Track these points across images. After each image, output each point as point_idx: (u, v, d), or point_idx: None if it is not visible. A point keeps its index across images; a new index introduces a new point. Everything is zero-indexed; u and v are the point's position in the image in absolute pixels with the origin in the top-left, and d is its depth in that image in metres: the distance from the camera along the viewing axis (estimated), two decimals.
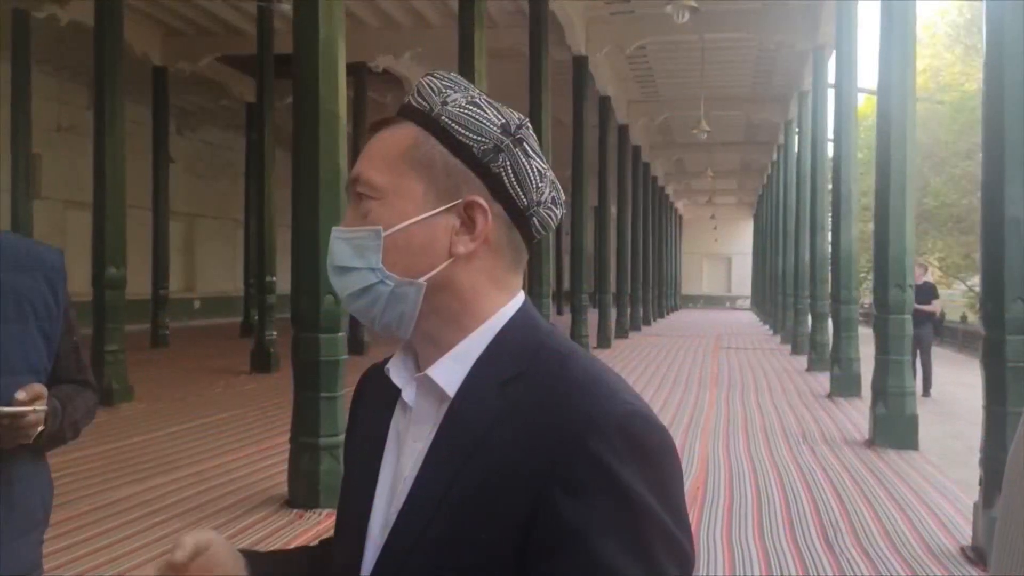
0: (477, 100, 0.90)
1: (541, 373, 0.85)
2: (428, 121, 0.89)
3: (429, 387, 0.89)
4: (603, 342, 16.12)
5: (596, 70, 15.27)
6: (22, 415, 1.41)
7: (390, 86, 16.81)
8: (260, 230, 12.19)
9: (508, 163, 0.88)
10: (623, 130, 19.41)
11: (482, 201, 0.88)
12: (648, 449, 0.80)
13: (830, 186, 11.32)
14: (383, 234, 0.87)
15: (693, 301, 44.31)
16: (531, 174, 0.89)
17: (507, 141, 0.88)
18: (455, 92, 0.90)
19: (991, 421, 4.30)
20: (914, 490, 5.62)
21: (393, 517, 0.86)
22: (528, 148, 0.90)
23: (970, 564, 4.17)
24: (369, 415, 0.98)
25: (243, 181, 17.94)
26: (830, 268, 11.40)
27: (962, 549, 4.38)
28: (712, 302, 44.76)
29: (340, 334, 5.15)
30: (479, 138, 0.88)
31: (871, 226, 7.74)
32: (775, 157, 23.16)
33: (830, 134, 11.40)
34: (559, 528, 0.77)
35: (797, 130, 17.11)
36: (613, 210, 19.70)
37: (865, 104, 22.64)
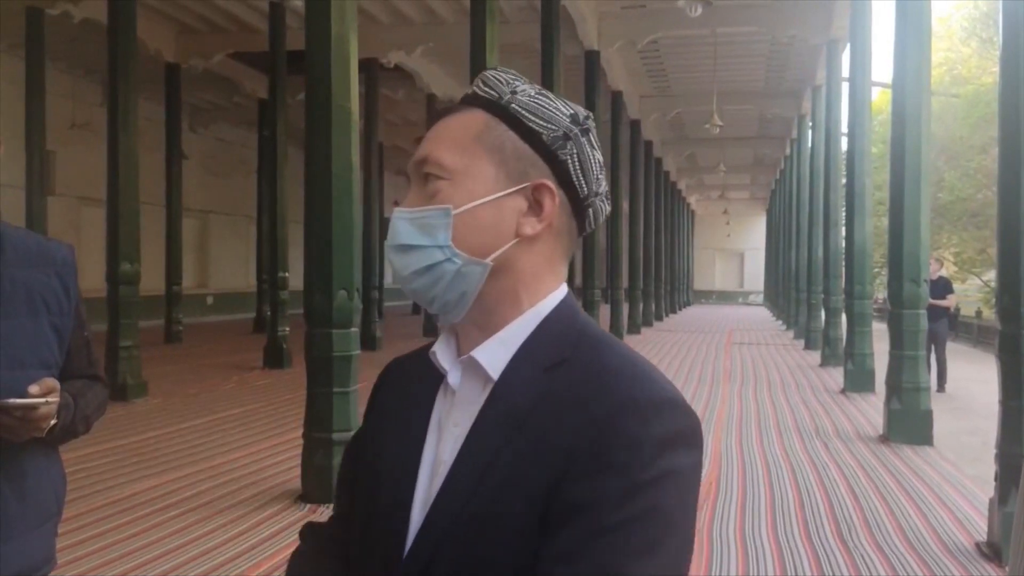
0: (544, 92, 0.94)
1: (583, 360, 0.88)
2: (497, 108, 0.92)
3: (474, 369, 0.91)
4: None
5: (608, 65, 15.23)
6: (34, 407, 1.42)
7: (402, 82, 16.81)
8: (273, 226, 12.23)
9: (575, 151, 0.92)
10: (635, 125, 19.36)
11: (551, 184, 0.91)
12: (678, 435, 0.83)
13: (844, 181, 11.27)
14: (453, 212, 0.89)
15: (706, 296, 44.21)
16: (594, 164, 0.93)
17: (575, 130, 0.92)
18: (522, 83, 0.94)
19: (1007, 416, 4.27)
20: (929, 486, 5.59)
21: (432, 498, 0.89)
22: (593, 139, 0.94)
23: (986, 560, 4.14)
24: (402, 405, 0.99)
25: (256, 177, 18.00)
26: (844, 263, 11.35)
27: (977, 545, 4.35)
28: (725, 297, 44.63)
29: (353, 330, 5.16)
30: (549, 126, 0.91)
31: (885, 221, 7.69)
32: (788, 152, 23.05)
33: (844, 128, 11.33)
34: (579, 500, 0.80)
35: (811, 124, 17.00)
36: (625, 205, 19.65)
37: (879, 98, 22.50)
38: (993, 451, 4.39)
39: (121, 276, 8.56)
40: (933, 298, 9.25)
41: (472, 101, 0.94)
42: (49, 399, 1.44)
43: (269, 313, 12.14)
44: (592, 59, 13.93)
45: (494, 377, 0.89)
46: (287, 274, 11.93)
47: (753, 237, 44.37)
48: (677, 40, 15.34)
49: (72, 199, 16.73)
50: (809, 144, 17.18)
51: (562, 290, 0.95)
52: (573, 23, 12.92)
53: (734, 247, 46.09)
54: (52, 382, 1.46)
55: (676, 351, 15.30)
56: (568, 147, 0.91)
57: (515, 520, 0.82)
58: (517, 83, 0.94)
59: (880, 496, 5.34)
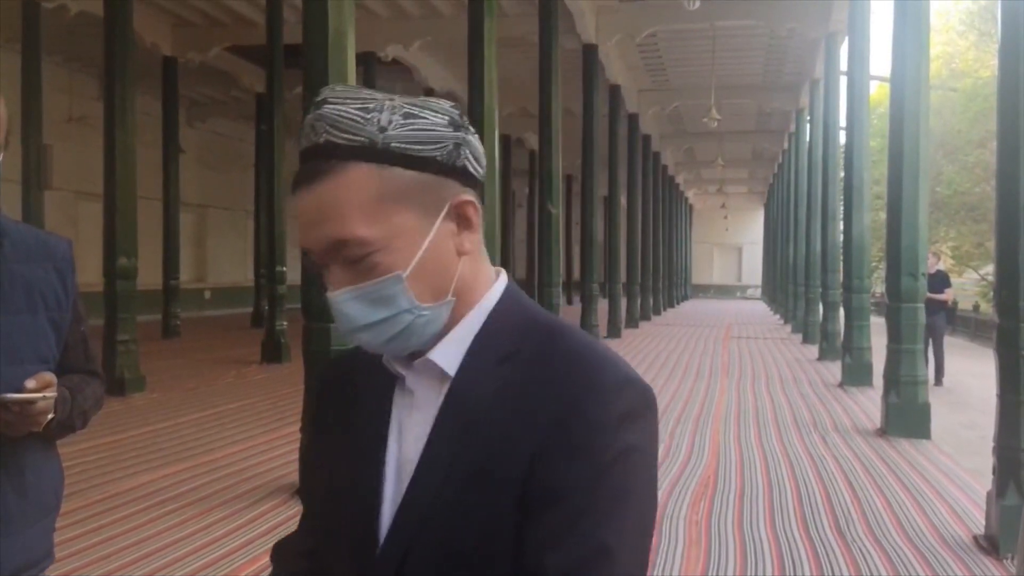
0: (407, 110, 0.86)
1: (536, 349, 0.89)
2: (375, 154, 0.85)
3: (430, 371, 0.91)
4: (613, 332, 16.09)
5: (606, 59, 15.20)
6: (32, 402, 1.42)
7: (400, 76, 16.79)
8: (270, 220, 12.21)
9: (468, 152, 0.89)
10: (633, 119, 19.33)
11: (468, 197, 0.89)
12: (639, 412, 0.87)
13: (842, 175, 11.26)
14: (404, 275, 0.87)
15: (704, 291, 44.25)
16: (481, 148, 0.91)
17: (461, 135, 0.88)
18: (379, 112, 0.85)
19: (1004, 410, 4.27)
20: (926, 479, 5.59)
21: (401, 497, 0.89)
22: (471, 127, 0.91)
23: (983, 553, 4.15)
24: (355, 410, 0.98)
25: (253, 172, 17.97)
26: (842, 257, 11.35)
27: (975, 538, 4.36)
28: (723, 292, 44.67)
29: None
30: (437, 145, 0.87)
31: (883, 215, 7.70)
32: (786, 146, 23.04)
33: (842, 122, 11.33)
34: (556, 485, 0.83)
35: (809, 118, 17.00)
36: (623, 200, 19.65)
37: (877, 92, 22.49)
38: (991, 445, 4.39)
39: (118, 270, 8.54)
40: (931, 292, 9.26)
41: (339, 153, 0.85)
42: (47, 394, 1.44)
43: (267, 307, 12.13)
44: (590, 53, 13.91)
45: (451, 374, 0.90)
46: (285, 268, 11.92)
47: (751, 231, 44.39)
48: (675, 34, 15.33)
49: (69, 193, 16.70)
50: (807, 138, 17.18)
51: (502, 280, 0.95)
52: (571, 17, 12.90)
53: (732, 241, 46.10)
54: (49, 376, 1.46)
55: (674, 346, 15.30)
56: (462, 153, 0.88)
57: (487, 509, 0.85)
58: (374, 114, 0.85)
59: (878, 490, 5.35)
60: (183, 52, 14.69)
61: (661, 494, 5.15)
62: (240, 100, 19.22)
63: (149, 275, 13.32)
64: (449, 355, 0.90)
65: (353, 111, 0.85)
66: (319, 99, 0.86)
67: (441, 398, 0.90)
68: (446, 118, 0.88)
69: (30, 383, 1.42)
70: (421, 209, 0.87)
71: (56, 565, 1.69)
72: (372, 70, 14.48)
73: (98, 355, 1.78)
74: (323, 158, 0.85)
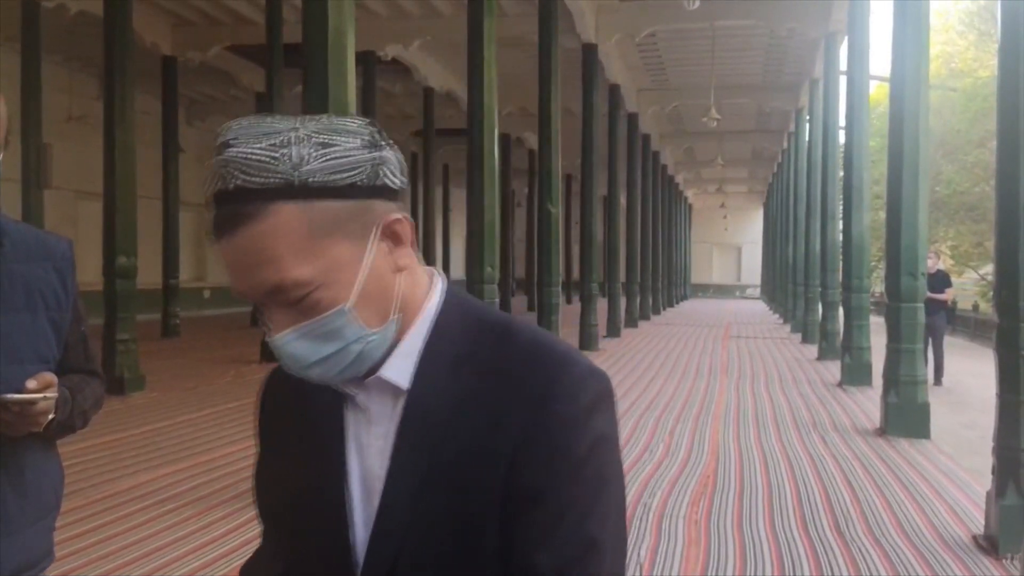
0: (319, 139, 0.82)
1: (489, 350, 0.89)
2: (295, 192, 0.81)
3: (382, 387, 0.90)
4: (612, 331, 16.10)
5: (606, 58, 15.19)
6: (32, 402, 1.41)
7: (399, 75, 16.79)
8: None
9: (388, 168, 0.86)
10: (633, 118, 19.31)
11: (396, 214, 0.87)
12: (603, 400, 0.89)
13: (841, 174, 11.27)
14: (348, 307, 0.85)
15: (703, 290, 44.25)
16: (398, 157, 0.89)
17: (378, 153, 0.85)
18: (288, 147, 0.81)
19: (1004, 410, 4.27)
20: (926, 479, 5.60)
21: (375, 512, 0.89)
22: (388, 141, 0.88)
23: (982, 553, 4.15)
24: (305, 428, 0.96)
25: None
26: (841, 257, 11.35)
27: (974, 538, 4.36)
28: (722, 291, 44.67)
29: None
30: (356, 171, 0.83)
31: (883, 214, 7.70)
32: (786, 145, 23.03)
33: (842, 122, 11.33)
34: (537, 483, 0.85)
35: (808, 118, 17.00)
36: (622, 199, 19.63)
37: (877, 92, 22.49)
38: (990, 445, 4.39)
39: (118, 270, 8.55)
40: (931, 292, 9.26)
41: (258, 196, 0.80)
42: (47, 394, 1.44)
43: None
44: (590, 52, 13.90)
45: (405, 387, 0.89)
46: None
47: (750, 231, 44.39)
48: (675, 33, 15.33)
49: (69, 192, 16.69)
50: (807, 138, 17.18)
51: (440, 283, 0.94)
52: (571, 16, 12.89)
53: (731, 241, 46.11)
54: (50, 376, 1.46)
55: (674, 345, 15.30)
56: (382, 172, 0.85)
57: (467, 513, 0.85)
58: (284, 151, 0.80)
59: (877, 489, 5.35)
60: (183, 51, 14.70)
61: (661, 494, 5.16)
62: (240, 99, 19.20)
63: (149, 274, 13.33)
64: (401, 369, 0.89)
65: (260, 151, 0.80)
66: (220, 141, 0.82)
67: (399, 411, 0.89)
68: (359, 139, 0.85)
69: (31, 383, 1.42)
70: (352, 237, 0.84)
71: (56, 564, 1.69)
72: (372, 70, 14.48)
73: (98, 355, 1.78)
74: (241, 202, 0.81)
